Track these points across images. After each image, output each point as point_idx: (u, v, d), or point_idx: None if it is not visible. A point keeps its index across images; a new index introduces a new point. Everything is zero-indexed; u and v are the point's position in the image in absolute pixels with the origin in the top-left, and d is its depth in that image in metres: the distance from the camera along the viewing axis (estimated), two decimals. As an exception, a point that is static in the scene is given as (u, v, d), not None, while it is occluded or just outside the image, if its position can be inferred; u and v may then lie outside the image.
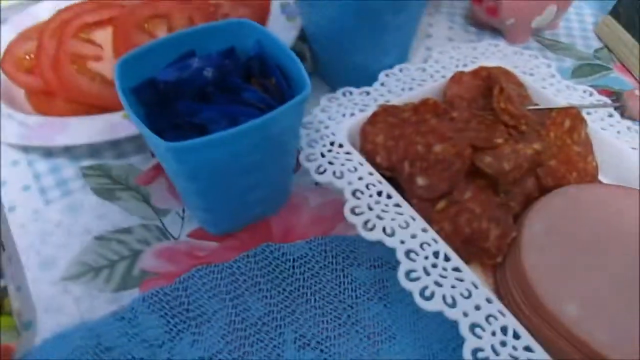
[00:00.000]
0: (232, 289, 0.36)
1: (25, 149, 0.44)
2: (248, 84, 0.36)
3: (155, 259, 0.38)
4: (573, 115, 0.41)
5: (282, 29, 0.49)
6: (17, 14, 0.51)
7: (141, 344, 0.34)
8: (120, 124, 0.41)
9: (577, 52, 0.56)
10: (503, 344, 0.31)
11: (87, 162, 0.44)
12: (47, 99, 0.43)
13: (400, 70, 0.48)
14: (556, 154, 0.40)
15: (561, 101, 0.44)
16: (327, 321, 0.35)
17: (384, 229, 0.36)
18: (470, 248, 0.36)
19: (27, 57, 0.44)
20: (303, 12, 0.47)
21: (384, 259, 0.38)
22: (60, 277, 0.37)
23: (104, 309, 0.35)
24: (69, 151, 0.44)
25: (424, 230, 0.36)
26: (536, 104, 0.45)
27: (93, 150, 0.44)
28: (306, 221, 0.40)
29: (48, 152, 0.44)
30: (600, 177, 0.42)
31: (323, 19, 0.45)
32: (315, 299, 0.36)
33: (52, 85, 0.41)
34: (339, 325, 0.34)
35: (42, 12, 0.49)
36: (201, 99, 0.35)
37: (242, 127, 0.30)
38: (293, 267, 0.37)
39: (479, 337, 0.31)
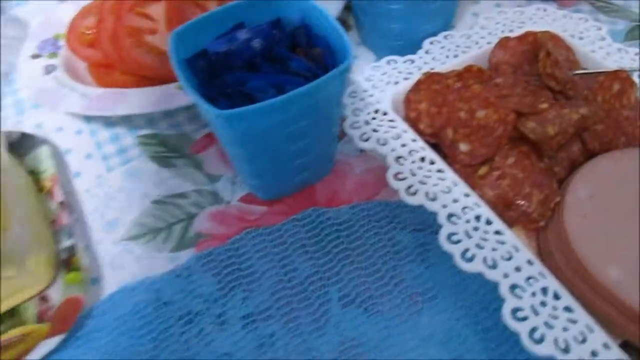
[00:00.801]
0: (281, 251, 0.38)
1: (88, 119, 0.47)
2: (294, 54, 0.37)
3: (209, 222, 0.40)
4: (622, 79, 0.40)
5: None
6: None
7: (196, 299, 0.36)
8: (174, 94, 0.44)
9: (630, 13, 0.54)
10: (543, 304, 0.31)
11: (144, 132, 0.46)
12: (106, 72, 0.45)
13: (445, 38, 0.48)
14: (603, 118, 0.39)
15: (611, 65, 0.43)
16: (370, 281, 0.36)
17: (426, 194, 0.37)
18: (512, 213, 0.37)
19: (88, 32, 0.46)
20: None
21: (426, 224, 0.39)
22: (123, 238, 0.40)
23: (162, 267, 0.38)
24: (127, 121, 0.47)
25: (466, 194, 0.36)
26: (585, 69, 0.44)
27: (149, 119, 0.47)
28: (350, 187, 0.42)
29: (108, 122, 0.47)
30: (651, 143, 0.42)
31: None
32: (359, 260, 0.37)
33: (111, 58, 0.44)
34: (382, 285, 0.36)
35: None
36: (249, 69, 0.37)
37: (289, 95, 0.32)
38: (338, 230, 0.39)
39: (519, 298, 0.32)
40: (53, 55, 0.48)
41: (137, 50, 0.44)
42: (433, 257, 0.37)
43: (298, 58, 0.36)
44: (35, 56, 0.48)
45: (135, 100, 0.44)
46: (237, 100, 0.35)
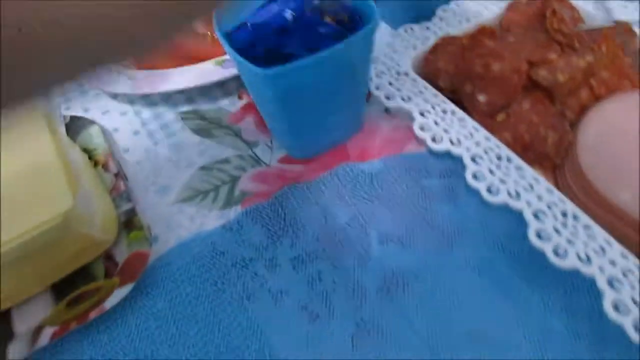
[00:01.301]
0: (321, 201, 0.42)
1: (131, 101, 0.52)
2: (323, 20, 0.41)
3: (252, 182, 0.44)
4: (624, 30, 0.44)
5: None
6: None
7: (248, 247, 0.40)
8: (211, 71, 0.48)
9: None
10: (564, 225, 0.35)
11: (184, 108, 0.50)
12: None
13: (457, 6, 0.51)
14: (608, 65, 0.43)
15: (610, 20, 0.47)
16: (405, 221, 0.40)
17: (450, 140, 0.41)
18: (530, 153, 0.41)
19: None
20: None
21: (450, 170, 0.42)
22: (175, 201, 0.44)
23: (214, 223, 0.42)
24: (167, 99, 0.51)
25: (487, 138, 0.40)
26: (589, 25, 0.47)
27: (188, 97, 0.51)
28: (379, 144, 0.45)
29: (150, 102, 0.51)
30: (654, 86, 0.45)
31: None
32: (392, 205, 0.41)
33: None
34: (416, 224, 0.40)
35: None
36: (285, 36, 0.41)
37: (324, 53, 0.36)
38: (371, 180, 0.42)
39: (542, 222, 0.35)
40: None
41: (176, 33, 0.48)
42: (460, 198, 0.41)
43: (327, 23, 0.40)
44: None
45: (177, 78, 0.48)
46: (276, 64, 0.39)
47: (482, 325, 0.34)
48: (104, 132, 0.49)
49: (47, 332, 0.37)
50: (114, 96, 0.52)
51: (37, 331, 0.38)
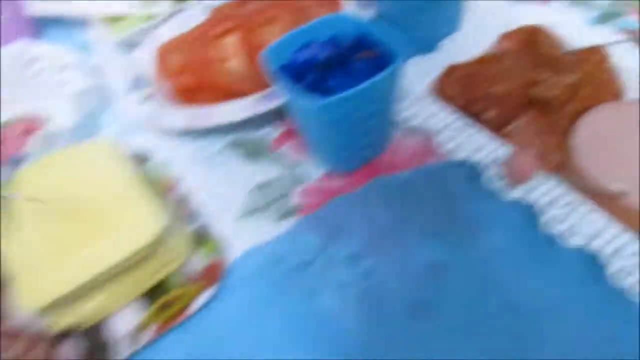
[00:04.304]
0: (364, 208, 0.49)
1: (183, 134, 0.59)
2: (357, 57, 0.49)
3: (301, 197, 0.52)
4: (598, 52, 0.53)
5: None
6: (145, 39, 0.66)
7: (306, 251, 0.47)
8: (253, 104, 0.55)
9: (597, 2, 0.67)
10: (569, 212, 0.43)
11: (229, 138, 0.58)
12: (195, 93, 0.57)
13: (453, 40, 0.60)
14: (590, 82, 0.52)
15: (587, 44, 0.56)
16: (435, 219, 0.48)
17: (467, 151, 0.49)
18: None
19: (176, 64, 0.58)
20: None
21: (469, 176, 0.50)
22: (236, 217, 0.51)
23: (273, 233, 0.49)
24: (216, 131, 0.58)
25: (496, 148, 0.48)
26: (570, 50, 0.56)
27: (232, 128, 0.58)
28: (404, 158, 0.53)
29: (197, 135, 0.58)
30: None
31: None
32: (423, 207, 0.49)
33: (202, 83, 0.56)
34: (444, 220, 0.47)
35: (164, 34, 0.64)
36: (325, 72, 0.49)
37: (364, 85, 0.43)
38: (403, 189, 0.50)
39: (550, 211, 0.43)
40: (144, 89, 0.60)
41: (222, 75, 0.56)
42: (480, 198, 0.49)
43: (361, 59, 0.48)
44: (130, 91, 0.60)
45: (224, 112, 0.55)
46: (318, 96, 0.47)
47: (513, 296, 0.42)
48: (161, 163, 0.56)
49: (145, 335, 0.44)
50: (165, 131, 0.59)
51: (134, 335, 0.44)
